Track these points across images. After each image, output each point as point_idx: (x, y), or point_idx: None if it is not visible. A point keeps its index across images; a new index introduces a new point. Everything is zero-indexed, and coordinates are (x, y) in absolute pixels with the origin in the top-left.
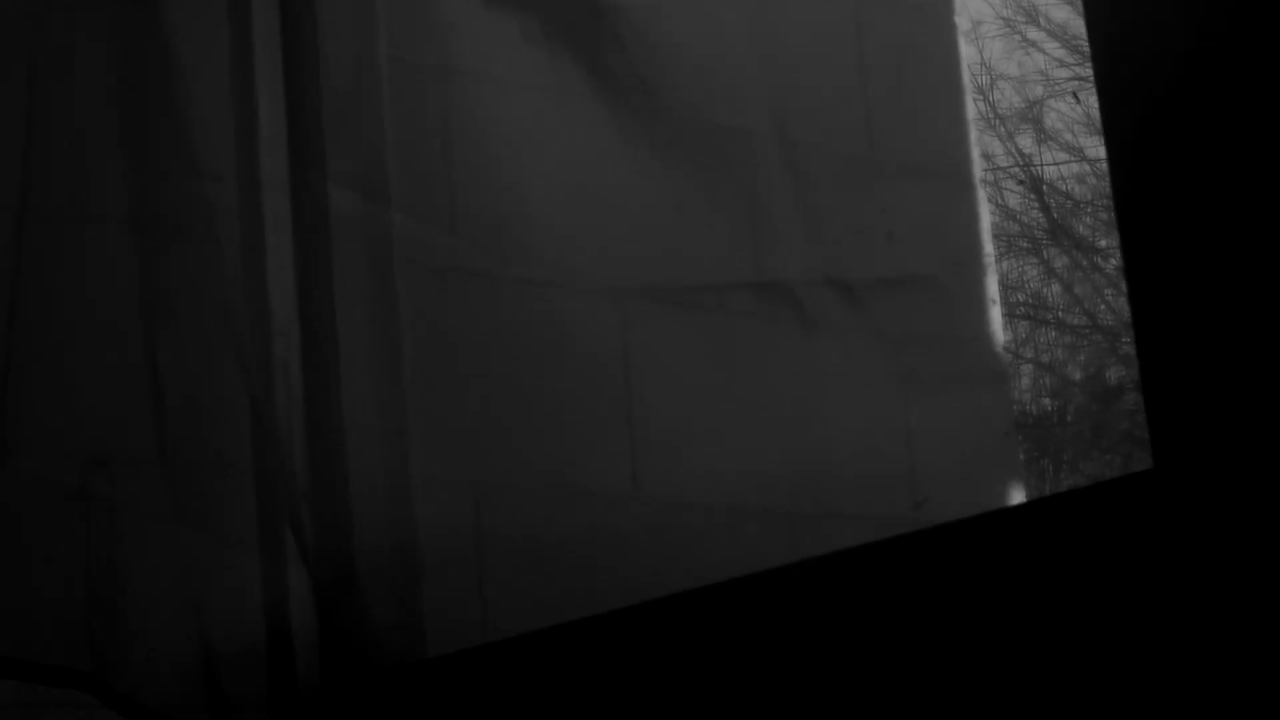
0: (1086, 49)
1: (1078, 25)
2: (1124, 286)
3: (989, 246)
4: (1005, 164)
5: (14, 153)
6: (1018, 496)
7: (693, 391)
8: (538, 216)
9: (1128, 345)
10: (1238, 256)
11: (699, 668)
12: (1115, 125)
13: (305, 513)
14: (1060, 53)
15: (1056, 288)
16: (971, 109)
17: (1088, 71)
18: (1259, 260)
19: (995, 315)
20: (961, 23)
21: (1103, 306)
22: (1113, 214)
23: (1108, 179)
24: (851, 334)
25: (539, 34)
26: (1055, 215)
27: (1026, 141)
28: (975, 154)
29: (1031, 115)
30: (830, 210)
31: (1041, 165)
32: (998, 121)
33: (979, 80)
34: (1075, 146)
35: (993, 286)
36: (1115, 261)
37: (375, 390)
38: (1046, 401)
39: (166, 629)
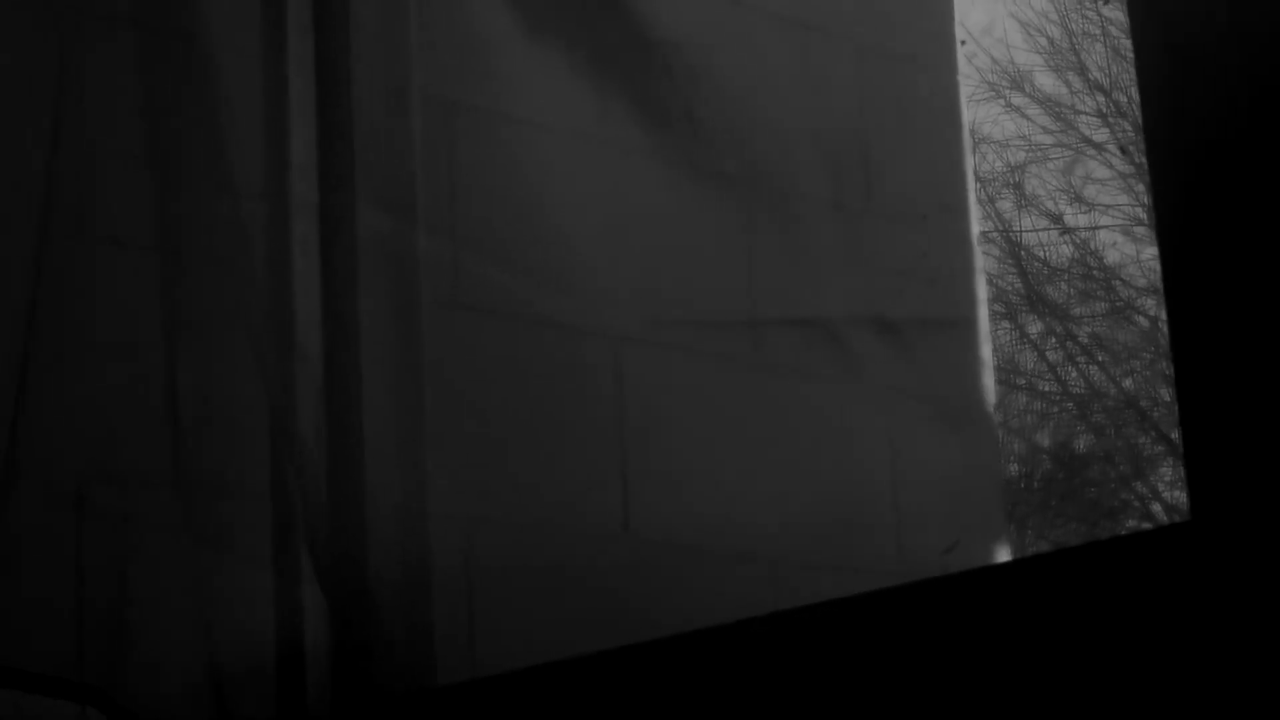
0: (1069, 115)
1: (1061, 92)
2: (1097, 355)
3: (983, 296)
4: (985, 228)
5: (37, 169)
6: (1003, 549)
7: (690, 435)
8: (574, 244)
9: (1098, 414)
10: (1276, 310)
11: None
12: (1163, 178)
13: (323, 533)
14: (1044, 119)
15: (1030, 354)
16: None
17: (1070, 139)
18: None
19: (988, 375)
20: (964, 81)
21: (1074, 374)
22: (1087, 282)
23: (1084, 247)
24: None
25: (584, 64)
26: (1032, 281)
27: (1006, 206)
28: (973, 206)
29: (1013, 180)
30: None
31: (1020, 231)
32: (979, 185)
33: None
34: (1055, 213)
35: (986, 349)
36: (1089, 329)
37: (395, 417)
38: (1014, 467)
39: (176, 645)
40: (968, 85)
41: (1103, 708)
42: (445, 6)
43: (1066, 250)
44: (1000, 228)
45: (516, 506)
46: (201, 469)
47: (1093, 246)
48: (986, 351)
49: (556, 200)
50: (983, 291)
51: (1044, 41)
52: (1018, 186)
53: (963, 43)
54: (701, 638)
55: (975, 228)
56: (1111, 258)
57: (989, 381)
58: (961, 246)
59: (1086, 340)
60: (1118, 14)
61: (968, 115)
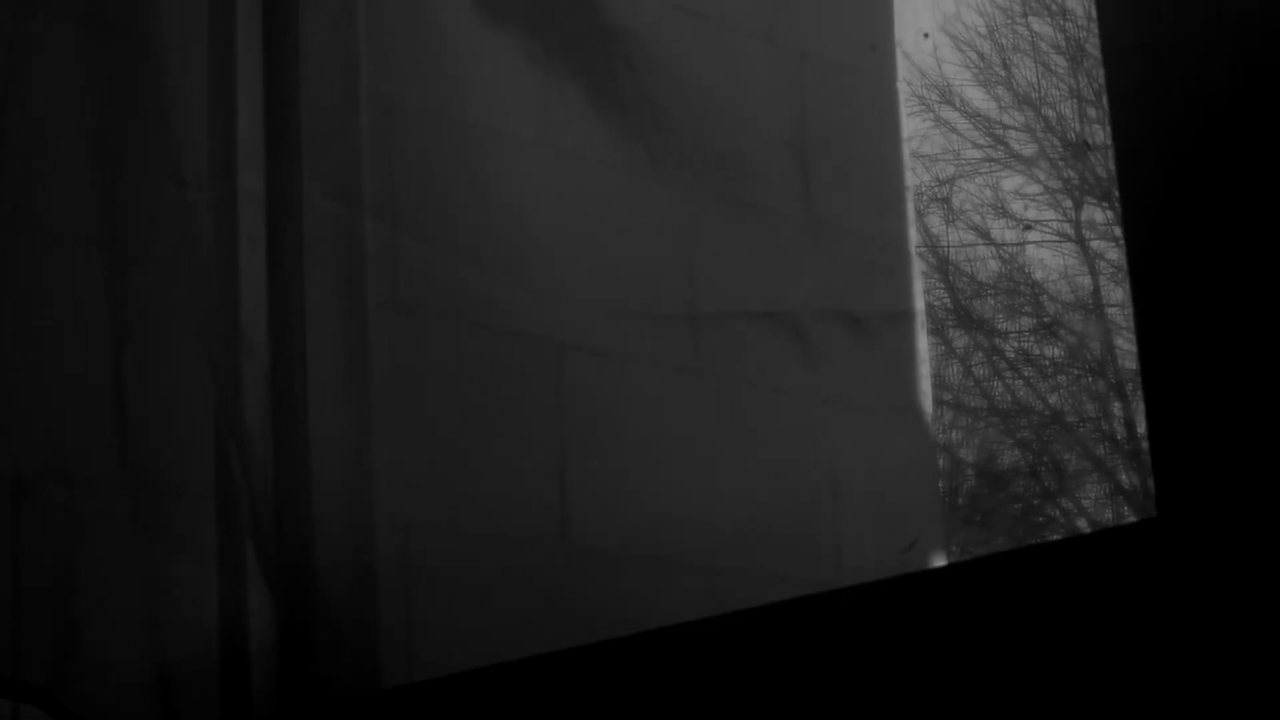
0: (998, 131)
1: (990, 107)
2: (1022, 370)
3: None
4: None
5: None
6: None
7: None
8: (526, 236)
9: (1024, 430)
10: (1243, 307)
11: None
12: (1130, 176)
13: (269, 529)
14: (973, 134)
15: (956, 368)
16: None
17: (999, 154)
18: (1264, 311)
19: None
20: (903, 89)
21: (1000, 389)
22: (1014, 297)
23: (1012, 262)
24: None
25: (541, 53)
26: (959, 296)
27: (934, 220)
28: (911, 215)
29: (941, 194)
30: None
31: (948, 246)
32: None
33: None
34: (982, 228)
35: (923, 343)
36: (1016, 344)
37: (342, 414)
38: (939, 484)
39: (121, 642)
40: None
41: (1070, 705)
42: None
43: (994, 265)
44: (927, 242)
45: (458, 508)
46: (147, 463)
47: (1020, 262)
48: (924, 346)
49: (508, 193)
50: (919, 288)
51: (973, 56)
52: (945, 201)
53: (925, 35)
54: (645, 640)
55: (913, 233)
56: (1039, 273)
57: (926, 378)
58: (899, 243)
59: (1013, 355)
60: (1047, 29)
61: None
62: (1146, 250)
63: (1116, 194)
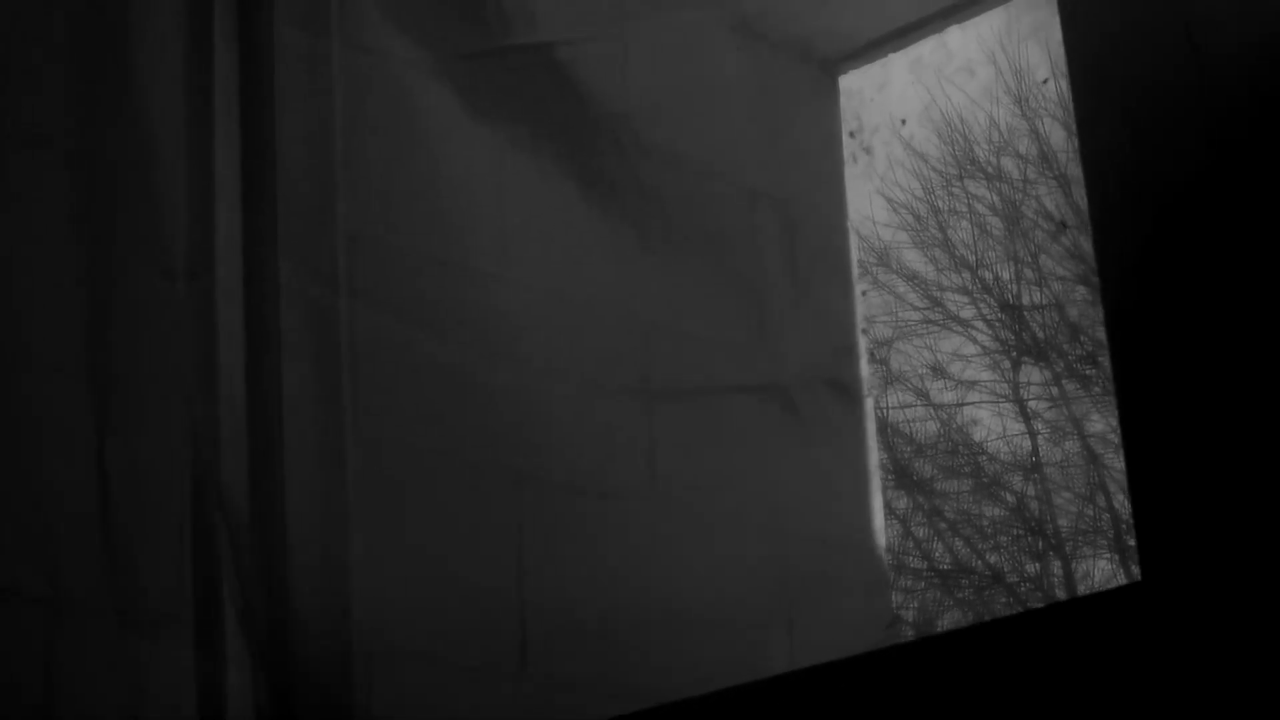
0: (936, 294)
1: (929, 270)
2: (962, 531)
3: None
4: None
5: None
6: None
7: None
8: (516, 312)
9: (966, 590)
10: (1221, 369)
11: None
12: (1108, 249)
13: (255, 607)
14: (911, 296)
15: (896, 529)
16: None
17: (937, 315)
18: (1243, 381)
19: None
20: (851, 227)
21: (940, 550)
22: (955, 458)
23: (949, 423)
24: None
25: (527, 139)
26: (899, 456)
27: (873, 383)
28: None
29: (878, 357)
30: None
31: (887, 408)
32: None
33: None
34: (921, 389)
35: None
36: (955, 505)
37: (320, 502)
38: None
39: None
40: None
41: None
42: (383, 91)
43: (933, 427)
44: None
45: (427, 583)
46: (130, 547)
47: (958, 423)
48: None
49: (494, 275)
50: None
51: (910, 218)
52: (884, 363)
53: (903, 122)
54: None
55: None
56: (977, 434)
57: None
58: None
59: (952, 515)
60: (983, 191)
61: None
62: (1125, 309)
63: (1052, 354)
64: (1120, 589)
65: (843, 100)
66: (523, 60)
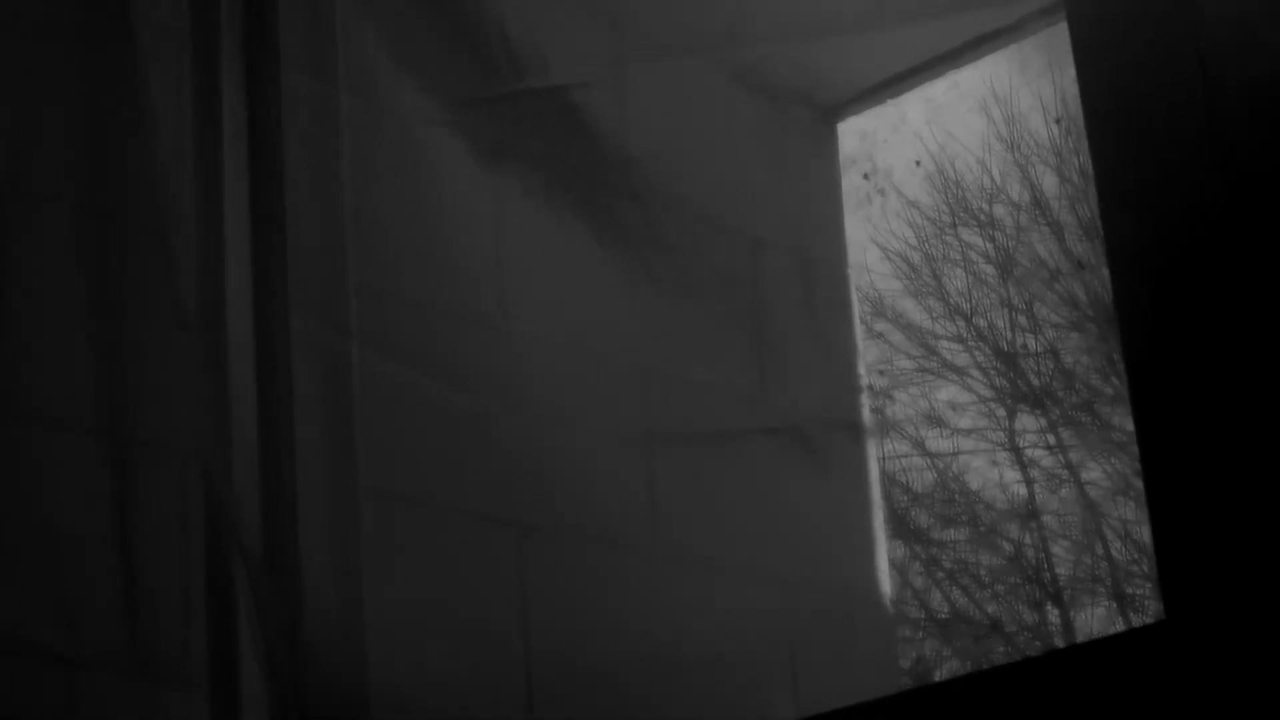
0: (931, 342)
1: (923, 318)
2: (960, 580)
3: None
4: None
5: None
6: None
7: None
8: (530, 362)
9: (964, 638)
10: (1244, 410)
11: None
12: (1125, 286)
13: (275, 647)
14: (906, 345)
15: (894, 578)
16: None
17: (932, 363)
18: (1265, 412)
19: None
20: (854, 275)
21: (938, 599)
22: (952, 506)
23: (946, 472)
24: None
25: (540, 187)
26: (895, 505)
27: (871, 431)
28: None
29: (875, 406)
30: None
31: (883, 458)
32: None
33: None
34: (917, 438)
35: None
36: (952, 554)
37: (332, 529)
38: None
39: None
40: None
41: None
42: (393, 139)
43: (929, 476)
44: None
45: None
46: (148, 600)
47: (955, 471)
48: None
49: (520, 320)
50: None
51: (905, 267)
52: (879, 412)
53: (917, 163)
54: None
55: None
56: (974, 482)
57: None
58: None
59: (950, 565)
60: (976, 239)
61: None
62: (1141, 342)
63: (1048, 401)
64: (1144, 629)
65: (856, 142)
66: (535, 104)
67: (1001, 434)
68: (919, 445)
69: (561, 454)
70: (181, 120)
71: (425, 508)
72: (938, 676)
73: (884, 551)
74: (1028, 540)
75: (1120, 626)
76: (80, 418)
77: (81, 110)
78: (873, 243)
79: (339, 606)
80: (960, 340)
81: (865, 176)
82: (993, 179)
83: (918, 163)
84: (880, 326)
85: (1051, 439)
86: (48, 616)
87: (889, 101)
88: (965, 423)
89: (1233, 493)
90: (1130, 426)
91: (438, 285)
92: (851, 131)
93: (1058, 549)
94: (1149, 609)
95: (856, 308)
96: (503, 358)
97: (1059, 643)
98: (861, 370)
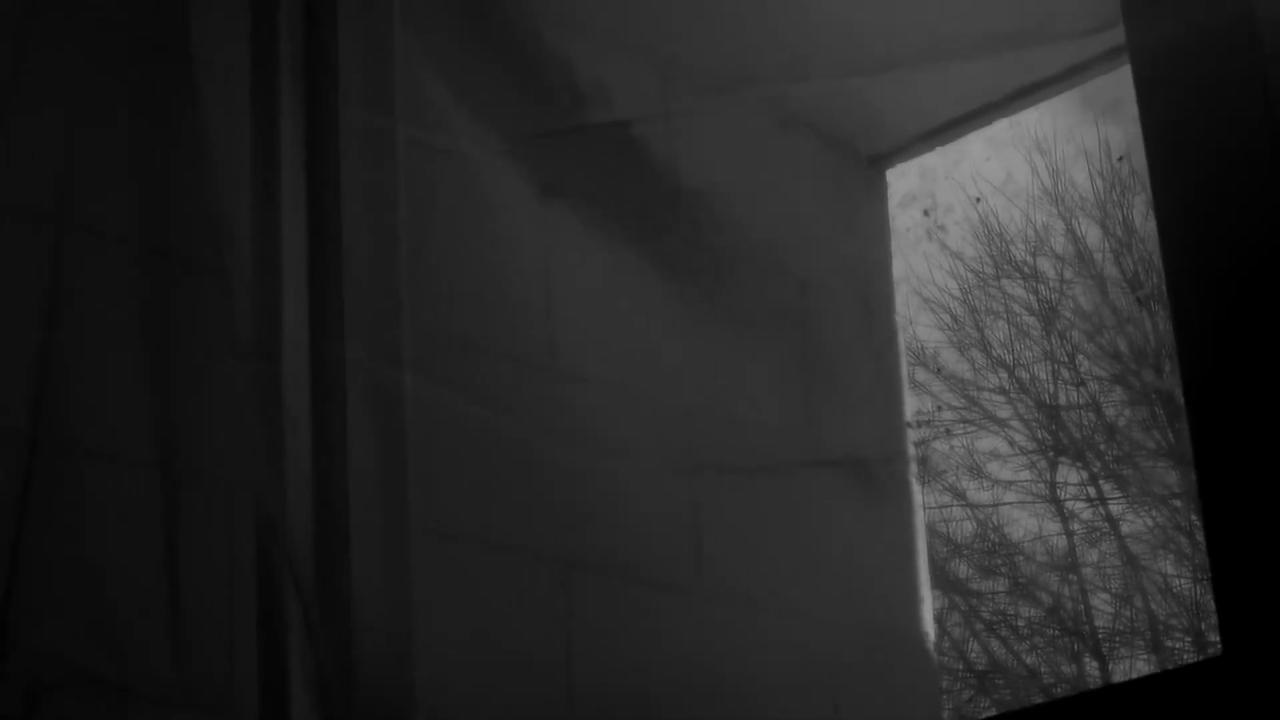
0: (972, 393)
1: (964, 369)
2: (999, 631)
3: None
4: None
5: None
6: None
7: None
8: (588, 390)
9: (1002, 690)
10: None
11: None
12: (1186, 320)
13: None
14: (947, 395)
15: (932, 629)
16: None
17: (973, 415)
18: None
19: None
20: (901, 322)
21: (976, 650)
22: (992, 557)
23: (986, 523)
24: None
25: (600, 220)
26: (935, 555)
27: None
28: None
29: (915, 455)
30: None
31: (925, 507)
32: None
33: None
34: (958, 489)
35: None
36: (991, 605)
37: (384, 561)
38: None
39: None
40: None
41: None
42: (451, 173)
43: (969, 526)
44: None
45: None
46: (198, 631)
47: (995, 522)
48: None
49: (572, 353)
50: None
51: (947, 318)
52: (922, 461)
53: (978, 199)
54: None
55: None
56: (1014, 534)
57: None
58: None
59: (989, 615)
60: (1019, 291)
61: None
62: (1201, 373)
63: (1089, 454)
64: (1201, 663)
65: (917, 180)
66: (595, 139)
67: (1043, 486)
68: (959, 495)
69: (608, 488)
70: (239, 151)
71: (474, 541)
72: None
73: (929, 594)
74: (1067, 592)
75: None
76: (133, 448)
77: (139, 141)
78: (915, 293)
79: (389, 636)
80: (1002, 392)
81: (925, 213)
82: (1036, 231)
83: (978, 199)
84: (922, 377)
85: (1092, 491)
86: (97, 644)
87: (938, 149)
88: (1006, 474)
89: None
90: (1171, 479)
91: (490, 319)
92: (914, 169)
93: (1097, 601)
94: (1188, 662)
95: (904, 351)
96: (552, 392)
97: None
98: (909, 415)
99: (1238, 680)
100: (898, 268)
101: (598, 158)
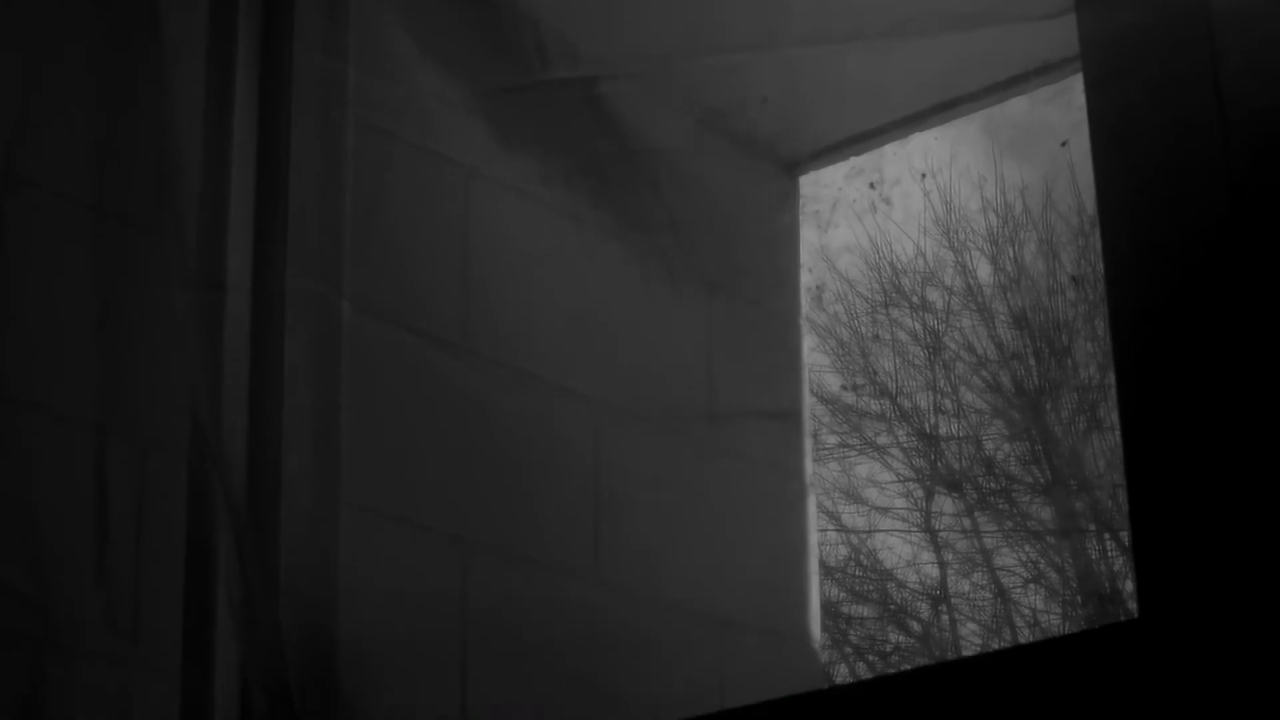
0: (854, 419)
1: (848, 394)
2: (866, 656)
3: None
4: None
5: None
6: None
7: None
8: (543, 341)
9: None
10: (1222, 421)
11: None
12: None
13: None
14: (829, 419)
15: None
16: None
17: (854, 440)
18: (1241, 423)
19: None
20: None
21: (844, 675)
22: (863, 583)
23: (860, 548)
24: None
25: (560, 176)
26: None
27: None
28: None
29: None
30: None
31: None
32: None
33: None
34: (833, 512)
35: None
36: (860, 630)
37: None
38: None
39: None
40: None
41: None
42: (406, 115)
43: (843, 551)
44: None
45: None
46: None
47: (869, 548)
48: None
49: (522, 300)
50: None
51: (833, 344)
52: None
53: (924, 176)
54: None
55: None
56: (887, 561)
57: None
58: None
59: (858, 641)
60: (906, 319)
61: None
62: (1131, 356)
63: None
64: (1116, 625)
65: (865, 155)
66: (562, 94)
67: (918, 514)
68: (834, 519)
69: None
70: (193, 87)
71: (400, 478)
72: None
73: (817, 595)
74: (937, 622)
75: None
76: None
77: (95, 81)
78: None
79: (317, 561)
80: (884, 419)
81: (871, 186)
82: (926, 262)
83: (924, 175)
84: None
85: (967, 523)
86: (21, 565)
87: (851, 158)
88: (882, 501)
89: (1211, 495)
90: (1046, 515)
91: (448, 258)
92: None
93: (965, 632)
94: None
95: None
96: (508, 329)
97: None
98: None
99: (1151, 642)
100: (856, 227)
101: (563, 112)
